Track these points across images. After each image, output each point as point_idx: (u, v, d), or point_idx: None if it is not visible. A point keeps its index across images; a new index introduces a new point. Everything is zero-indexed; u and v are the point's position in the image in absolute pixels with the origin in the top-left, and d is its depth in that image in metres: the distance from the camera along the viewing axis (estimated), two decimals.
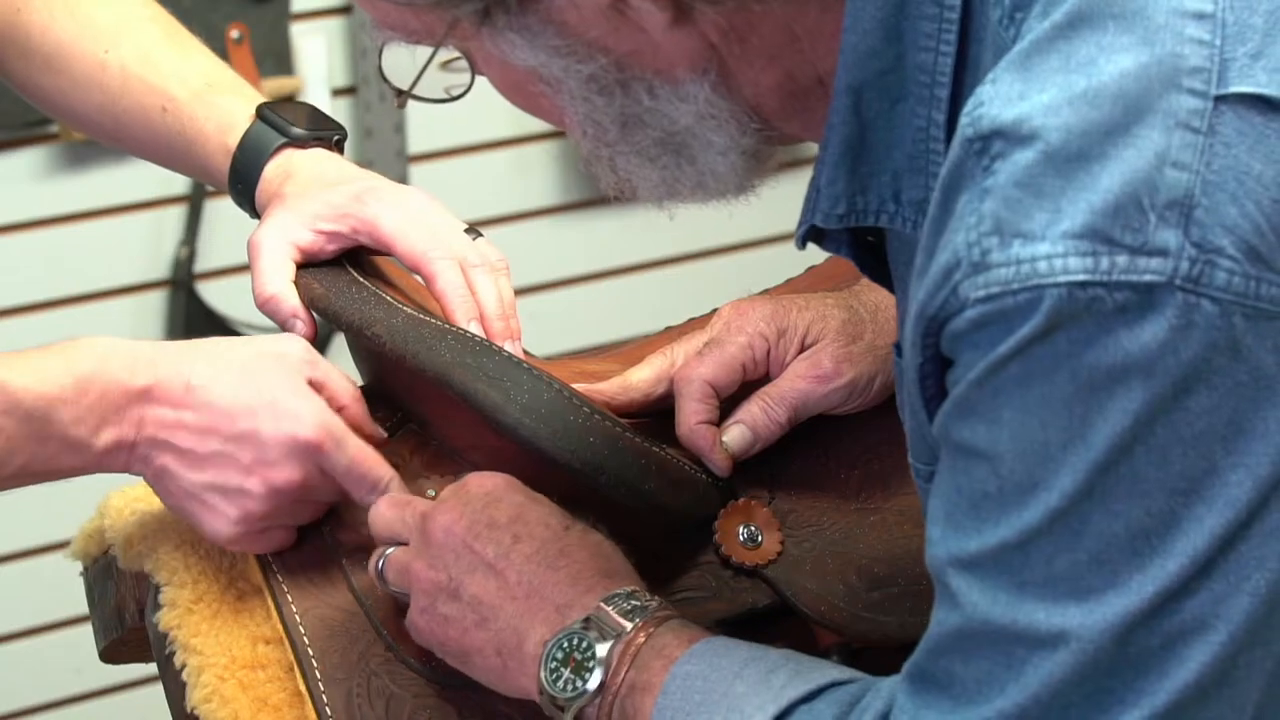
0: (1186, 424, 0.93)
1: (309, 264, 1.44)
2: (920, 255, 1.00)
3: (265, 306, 1.42)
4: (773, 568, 1.36)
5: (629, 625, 1.19)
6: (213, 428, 1.31)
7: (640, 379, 1.41)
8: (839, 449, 1.41)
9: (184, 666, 1.33)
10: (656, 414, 1.42)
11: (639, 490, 1.34)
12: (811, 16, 1.04)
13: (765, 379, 1.40)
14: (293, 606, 1.33)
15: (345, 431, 1.34)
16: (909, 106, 1.04)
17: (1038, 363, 0.94)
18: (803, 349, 1.38)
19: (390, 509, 1.32)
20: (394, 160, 2.97)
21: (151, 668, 1.39)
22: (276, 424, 1.31)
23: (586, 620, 1.20)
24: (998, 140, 0.94)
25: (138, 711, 2.94)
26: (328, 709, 1.29)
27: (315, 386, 1.35)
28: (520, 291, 2.93)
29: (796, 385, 1.38)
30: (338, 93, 2.98)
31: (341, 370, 1.38)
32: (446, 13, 1.05)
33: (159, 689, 1.38)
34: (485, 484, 1.29)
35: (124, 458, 1.32)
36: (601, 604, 1.21)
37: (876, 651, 1.35)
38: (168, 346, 1.35)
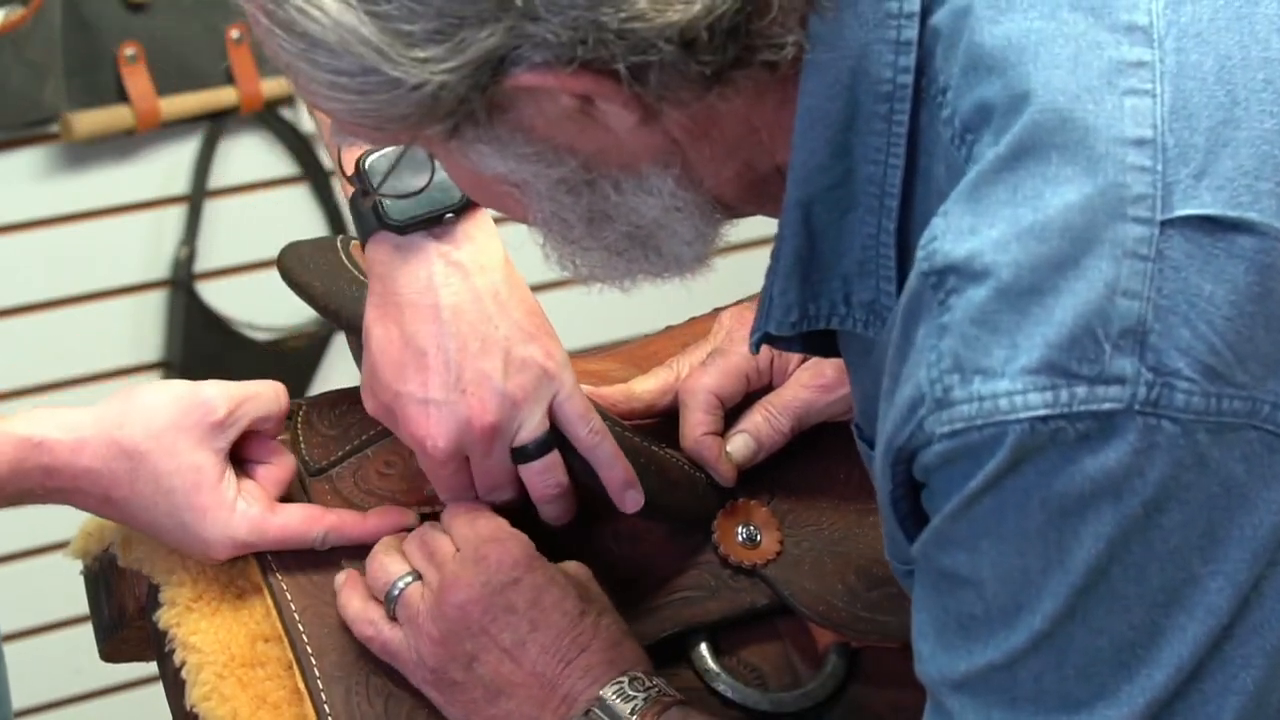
0: (1161, 540, 0.94)
1: (306, 261, 1.44)
2: (886, 379, 1.01)
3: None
4: (772, 567, 1.36)
5: (629, 712, 1.23)
6: (138, 534, 1.38)
7: (645, 389, 1.41)
8: (838, 449, 1.41)
9: (183, 664, 1.33)
10: (656, 414, 1.42)
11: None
12: (769, 109, 1.05)
13: (769, 388, 1.40)
14: (292, 605, 1.33)
15: (260, 526, 1.35)
16: (858, 215, 1.04)
17: (1009, 495, 0.95)
18: (806, 358, 1.39)
19: (419, 550, 1.32)
20: None
21: (151, 667, 1.39)
22: (190, 547, 1.35)
23: (588, 712, 1.24)
24: (951, 276, 0.95)
25: (138, 711, 2.94)
26: (326, 707, 1.30)
27: (235, 428, 1.36)
28: None
29: (800, 394, 1.38)
30: None
31: (257, 389, 1.39)
32: (414, 131, 1.04)
33: (159, 689, 1.38)
34: (505, 558, 1.29)
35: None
36: (604, 692, 1.24)
37: (875, 651, 1.35)
38: (87, 442, 1.34)
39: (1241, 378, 0.94)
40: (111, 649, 1.48)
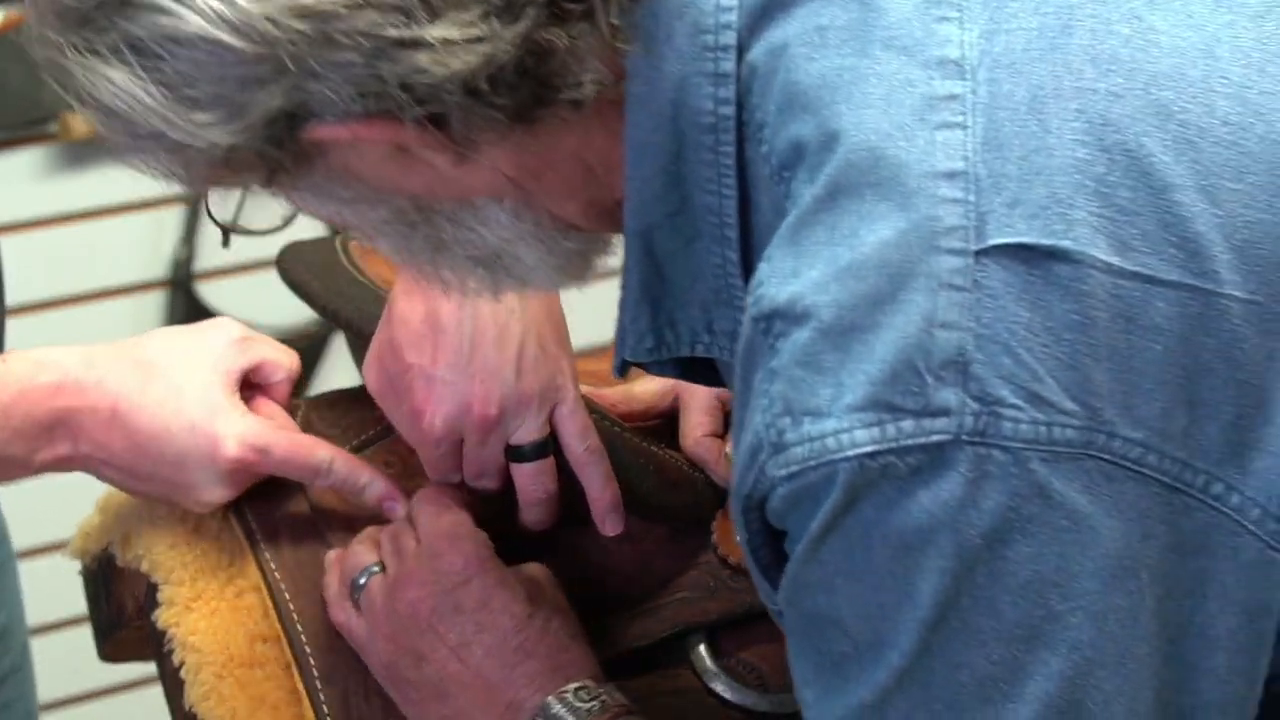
0: (1009, 573, 0.94)
1: (306, 261, 1.44)
2: (734, 427, 1.01)
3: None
4: None
5: None
6: (141, 454, 1.34)
7: (645, 391, 1.41)
8: None
9: (182, 664, 1.33)
10: (656, 416, 1.42)
11: (637, 490, 1.34)
12: (598, 144, 1.05)
13: None
14: (290, 605, 1.33)
15: (270, 434, 1.35)
16: (704, 244, 1.04)
17: (851, 533, 0.95)
18: None
19: (389, 541, 1.33)
20: None
21: (151, 667, 1.39)
22: (198, 448, 1.33)
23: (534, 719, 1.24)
24: (777, 320, 0.95)
25: (137, 711, 2.94)
26: (325, 707, 1.30)
27: (248, 371, 1.37)
28: None
29: None
30: None
31: (274, 343, 1.40)
32: (233, 179, 1.04)
33: (159, 689, 1.38)
34: (458, 559, 1.30)
35: (68, 467, 1.34)
36: (550, 700, 1.24)
37: None
38: (98, 358, 1.34)
39: (1070, 406, 0.93)
40: (110, 649, 1.48)
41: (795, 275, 0.95)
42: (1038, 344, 0.93)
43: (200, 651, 1.33)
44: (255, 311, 2.90)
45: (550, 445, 1.33)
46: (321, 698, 1.30)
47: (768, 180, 1.00)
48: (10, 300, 2.79)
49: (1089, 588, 0.94)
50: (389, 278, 1.44)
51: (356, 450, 1.42)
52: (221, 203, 1.23)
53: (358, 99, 0.97)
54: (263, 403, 1.38)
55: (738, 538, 1.03)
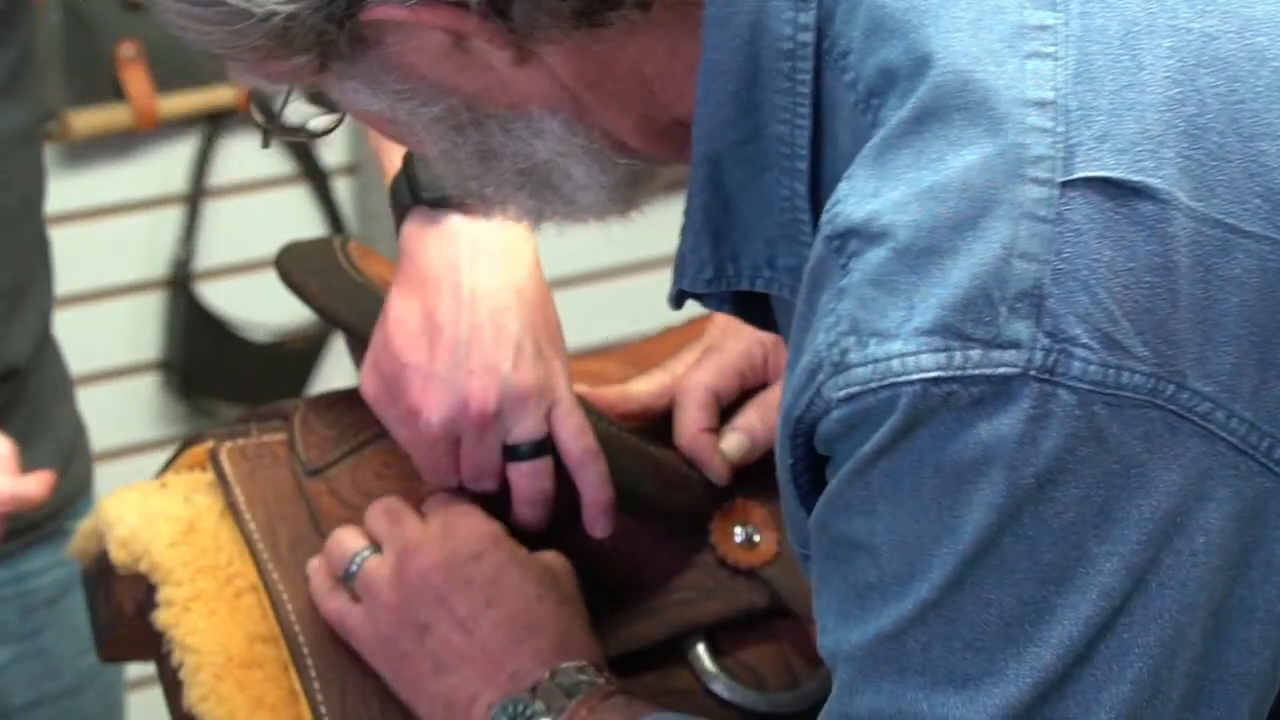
0: (1055, 515, 0.92)
1: (304, 262, 1.44)
2: (791, 351, 1.00)
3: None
4: (770, 568, 1.36)
5: (574, 698, 1.22)
6: None
7: (642, 391, 1.41)
8: None
9: (181, 665, 1.33)
10: (653, 416, 1.42)
11: (635, 490, 1.34)
12: (660, 58, 1.04)
13: (764, 386, 1.40)
14: (288, 605, 1.34)
15: None
16: (774, 176, 1.03)
17: (904, 458, 0.93)
18: None
19: (384, 516, 1.33)
20: None
21: (151, 668, 1.39)
22: None
23: (534, 689, 1.23)
24: (853, 239, 0.94)
25: (138, 711, 2.94)
26: (323, 708, 1.30)
27: None
28: None
29: None
30: None
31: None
32: (283, 64, 1.03)
33: (159, 689, 1.38)
34: (472, 533, 1.29)
35: None
36: (551, 675, 1.23)
37: None
38: None
39: (1142, 351, 0.91)
40: (110, 649, 1.48)
41: (875, 195, 0.94)
42: (1117, 284, 0.91)
43: (199, 652, 1.33)
44: (254, 312, 2.91)
45: (548, 446, 1.33)
46: (319, 698, 1.30)
47: (851, 109, 0.98)
48: None
49: (1129, 536, 0.92)
50: (388, 279, 1.44)
51: (354, 451, 1.42)
52: (260, 109, 1.20)
53: None
54: None
55: (777, 462, 1.01)
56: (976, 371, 0.91)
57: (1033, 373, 0.91)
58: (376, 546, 1.32)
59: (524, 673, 1.25)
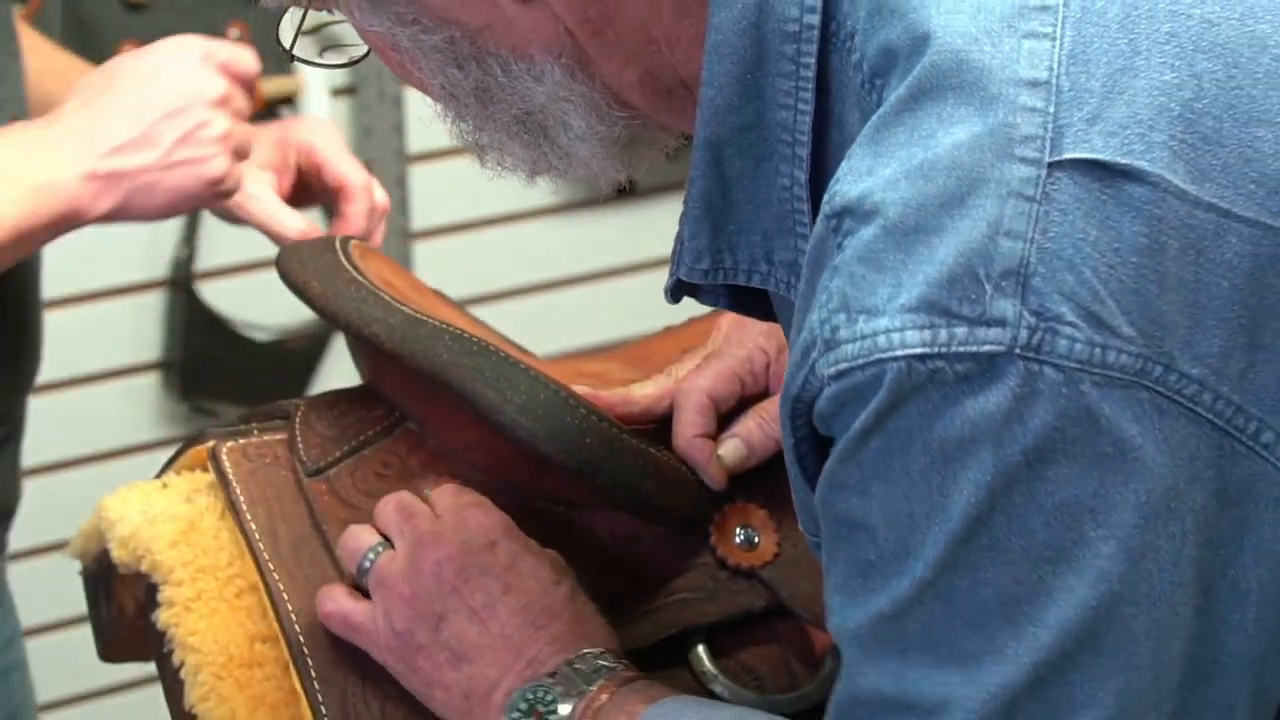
0: (1047, 494, 0.93)
1: (305, 262, 1.44)
2: (793, 332, 1.00)
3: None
4: (770, 569, 1.36)
5: (593, 684, 1.22)
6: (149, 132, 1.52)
7: (643, 394, 1.41)
8: None
9: (181, 665, 1.33)
10: (653, 419, 1.42)
11: (635, 491, 1.34)
12: (667, 19, 1.04)
13: (765, 393, 1.40)
14: (289, 605, 1.34)
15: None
16: (773, 165, 1.03)
17: (893, 436, 0.94)
18: None
19: (396, 512, 1.32)
20: (393, 160, 2.97)
21: (151, 668, 1.39)
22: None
23: (553, 675, 1.23)
24: (847, 217, 0.94)
25: (138, 712, 2.94)
26: (323, 708, 1.30)
27: (221, 68, 1.53)
28: (520, 291, 2.94)
29: None
30: (338, 92, 2.98)
31: (239, 48, 1.56)
32: None
33: (159, 689, 1.38)
34: (485, 523, 1.29)
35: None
36: (570, 661, 1.23)
37: None
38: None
39: (1128, 331, 0.92)
40: (110, 649, 1.48)
41: (870, 173, 0.94)
42: (1103, 264, 0.92)
43: (200, 652, 1.33)
44: (255, 311, 2.91)
45: None
46: (320, 698, 1.30)
47: (858, 91, 0.99)
48: None
49: (1125, 519, 0.93)
50: (389, 279, 1.45)
51: (354, 450, 1.42)
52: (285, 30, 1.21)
53: None
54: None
55: (784, 443, 1.01)
56: (962, 349, 0.92)
57: (1018, 350, 0.92)
58: (389, 542, 1.32)
59: (542, 659, 1.24)
